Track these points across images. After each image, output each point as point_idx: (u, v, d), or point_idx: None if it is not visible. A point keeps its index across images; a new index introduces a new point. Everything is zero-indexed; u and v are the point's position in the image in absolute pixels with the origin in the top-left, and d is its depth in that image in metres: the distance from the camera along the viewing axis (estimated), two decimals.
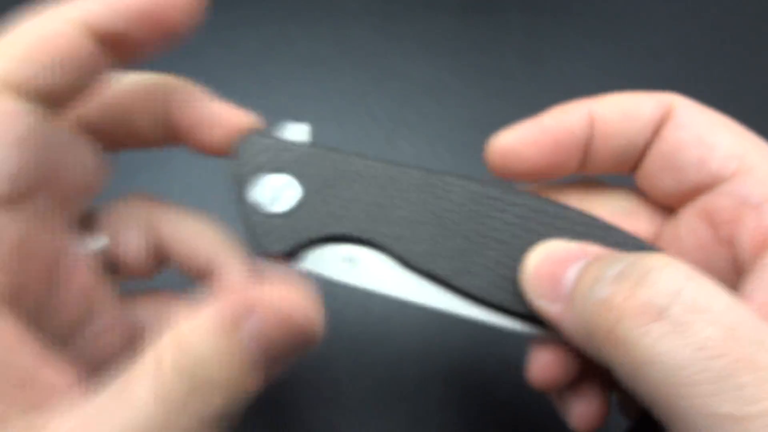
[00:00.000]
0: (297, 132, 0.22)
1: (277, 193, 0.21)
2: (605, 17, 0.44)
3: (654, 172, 0.22)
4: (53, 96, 0.18)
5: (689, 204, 0.21)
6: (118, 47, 0.18)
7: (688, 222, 0.21)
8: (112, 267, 0.22)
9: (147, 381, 0.15)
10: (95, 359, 0.20)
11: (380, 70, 0.41)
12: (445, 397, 0.32)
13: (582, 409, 0.22)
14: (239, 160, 0.21)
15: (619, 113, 0.21)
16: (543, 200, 0.21)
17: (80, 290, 0.20)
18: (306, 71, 0.40)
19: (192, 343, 0.16)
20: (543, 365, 0.21)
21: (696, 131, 0.21)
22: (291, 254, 0.21)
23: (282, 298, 0.17)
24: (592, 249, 0.19)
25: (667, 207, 0.23)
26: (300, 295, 0.17)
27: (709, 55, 0.42)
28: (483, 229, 0.21)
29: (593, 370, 0.21)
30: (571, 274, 0.18)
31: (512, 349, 0.33)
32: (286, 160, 0.21)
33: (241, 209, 0.21)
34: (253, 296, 0.16)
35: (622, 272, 0.17)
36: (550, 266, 0.19)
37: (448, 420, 0.32)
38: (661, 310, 0.15)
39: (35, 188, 0.18)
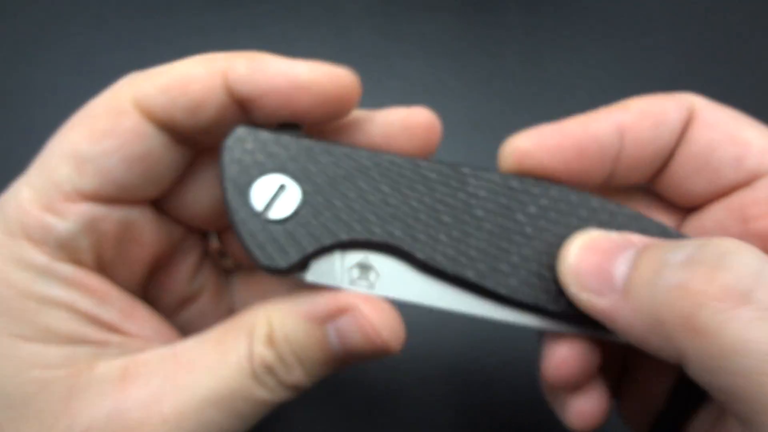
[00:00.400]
0: (288, 126, 0.20)
1: (272, 196, 0.19)
2: (605, 17, 0.44)
3: (683, 175, 0.21)
4: (179, 130, 0.20)
5: (718, 201, 0.21)
6: (249, 108, 0.20)
7: (716, 217, 0.21)
8: (220, 255, 0.25)
9: (242, 344, 0.19)
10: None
11: (380, 70, 0.41)
12: (445, 397, 0.32)
13: (582, 406, 0.21)
14: (226, 159, 0.19)
15: (649, 121, 0.21)
16: (564, 189, 0.20)
17: (185, 276, 0.24)
18: None
19: (282, 321, 0.19)
20: (560, 361, 0.20)
21: (726, 130, 0.20)
22: (296, 267, 0.19)
23: (374, 311, 0.19)
24: (638, 238, 0.18)
25: (690, 207, 0.22)
26: (390, 314, 0.19)
27: (709, 55, 0.42)
28: (507, 223, 0.19)
29: (601, 367, 0.21)
30: (621, 264, 0.18)
31: (512, 348, 0.33)
32: (280, 157, 0.19)
33: (232, 217, 0.19)
34: (349, 302, 0.19)
35: (692, 257, 0.16)
36: (595, 257, 0.18)
37: (448, 420, 0.32)
38: (746, 293, 0.14)
39: (135, 194, 0.20)
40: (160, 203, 0.22)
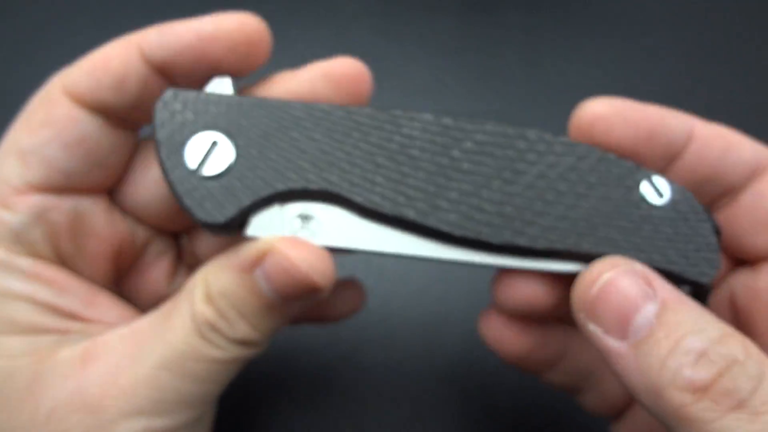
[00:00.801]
0: (218, 85, 0.20)
1: (206, 154, 0.19)
2: (605, 17, 0.44)
3: (742, 225, 0.21)
4: (111, 111, 0.20)
5: None
6: (169, 73, 0.20)
7: None
8: (192, 256, 0.25)
9: (184, 307, 0.19)
10: None
11: (380, 70, 0.41)
12: (445, 397, 0.32)
13: (505, 329, 0.22)
14: (157, 121, 0.19)
15: (720, 143, 0.20)
16: (498, 124, 0.20)
17: (161, 279, 0.24)
18: None
19: (216, 278, 0.19)
20: (517, 290, 0.20)
21: None
22: (236, 222, 0.19)
23: (291, 247, 0.18)
24: (660, 285, 0.18)
25: (741, 258, 0.22)
26: (310, 249, 0.19)
27: (709, 56, 0.42)
28: (443, 160, 0.19)
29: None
30: (643, 319, 0.17)
31: None
32: (211, 115, 0.19)
33: (167, 177, 0.19)
34: (268, 243, 0.19)
35: (706, 354, 0.16)
36: (619, 301, 0.18)
37: (448, 420, 0.32)
38: (742, 400, 0.16)
39: (82, 182, 0.21)
40: (116, 198, 0.22)
